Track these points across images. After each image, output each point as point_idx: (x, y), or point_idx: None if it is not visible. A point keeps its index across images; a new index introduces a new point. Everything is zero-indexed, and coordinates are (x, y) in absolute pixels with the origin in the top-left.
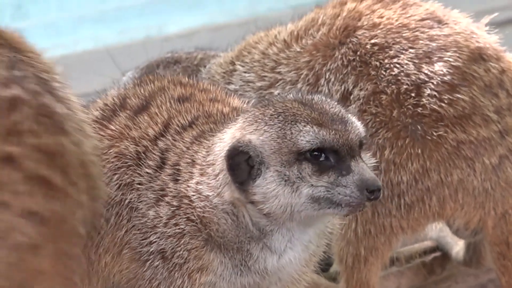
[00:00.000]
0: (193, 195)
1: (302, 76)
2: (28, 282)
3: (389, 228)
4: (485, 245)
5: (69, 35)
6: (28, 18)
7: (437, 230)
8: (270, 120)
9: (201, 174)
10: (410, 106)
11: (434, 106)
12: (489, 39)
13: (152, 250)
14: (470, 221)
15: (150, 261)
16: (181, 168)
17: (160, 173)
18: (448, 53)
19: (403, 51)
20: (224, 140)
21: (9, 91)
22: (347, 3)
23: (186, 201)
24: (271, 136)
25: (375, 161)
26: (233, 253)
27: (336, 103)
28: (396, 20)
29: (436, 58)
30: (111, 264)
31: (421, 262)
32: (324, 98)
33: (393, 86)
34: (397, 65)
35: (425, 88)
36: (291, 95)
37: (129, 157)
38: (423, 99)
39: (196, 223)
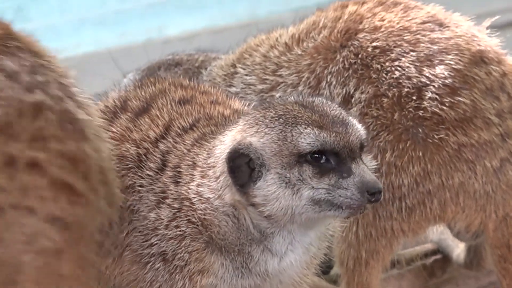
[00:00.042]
0: (194, 197)
1: (303, 79)
2: (51, 287)
3: (390, 231)
4: (486, 248)
5: (70, 37)
6: (29, 21)
7: (438, 233)
8: (271, 122)
9: (202, 176)
10: (411, 109)
11: (435, 109)
12: (490, 42)
13: (153, 252)
14: (471, 224)
15: (151, 263)
16: (182, 170)
17: (161, 175)
18: (449, 56)
19: (404, 54)
20: (225, 142)
21: (32, 97)
22: (349, 6)
23: (187, 203)
24: (271, 138)
25: (376, 163)
26: (234, 255)
27: (336, 106)
28: (397, 23)
29: (437, 61)
30: (112, 266)
31: (422, 265)
32: (325, 101)
33: (395, 89)
34: (398, 68)
35: (426, 91)
36: (292, 98)
37: (130, 159)
38: (424, 102)
39: (197, 225)
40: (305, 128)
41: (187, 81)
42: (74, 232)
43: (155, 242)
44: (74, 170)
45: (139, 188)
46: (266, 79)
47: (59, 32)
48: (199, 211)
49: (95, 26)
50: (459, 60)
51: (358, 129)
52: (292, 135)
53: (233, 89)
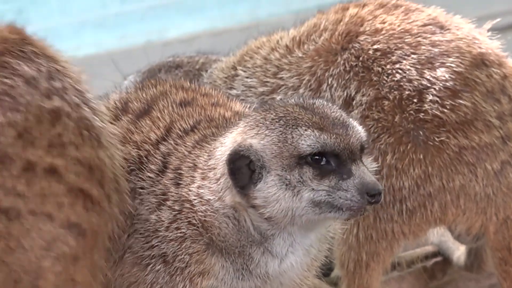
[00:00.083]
0: (195, 199)
1: (304, 82)
2: None
3: (391, 234)
4: (487, 250)
5: (70, 40)
6: (29, 23)
7: (439, 235)
8: (271, 124)
9: (203, 178)
10: (412, 112)
11: (436, 112)
12: (491, 45)
13: (154, 254)
14: (471, 227)
15: (151, 265)
16: (182, 172)
17: (162, 177)
18: (450, 59)
19: (405, 57)
20: (226, 144)
21: (50, 103)
22: (349, 8)
23: (187, 205)
24: (272, 140)
25: (377, 166)
26: (234, 257)
27: (337, 107)
28: (398, 26)
29: (438, 64)
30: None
31: (422, 267)
32: (325, 103)
33: (395, 92)
34: (399, 71)
35: (427, 93)
36: (293, 100)
37: (131, 161)
38: (425, 105)
39: (198, 227)
40: (306, 130)
41: (188, 83)
42: (89, 239)
43: (156, 244)
44: (90, 177)
45: (140, 190)
46: (267, 82)
47: (60, 34)
48: (200, 213)
49: (95, 28)
50: (460, 62)
51: (359, 131)
52: (293, 137)
53: (233, 92)
